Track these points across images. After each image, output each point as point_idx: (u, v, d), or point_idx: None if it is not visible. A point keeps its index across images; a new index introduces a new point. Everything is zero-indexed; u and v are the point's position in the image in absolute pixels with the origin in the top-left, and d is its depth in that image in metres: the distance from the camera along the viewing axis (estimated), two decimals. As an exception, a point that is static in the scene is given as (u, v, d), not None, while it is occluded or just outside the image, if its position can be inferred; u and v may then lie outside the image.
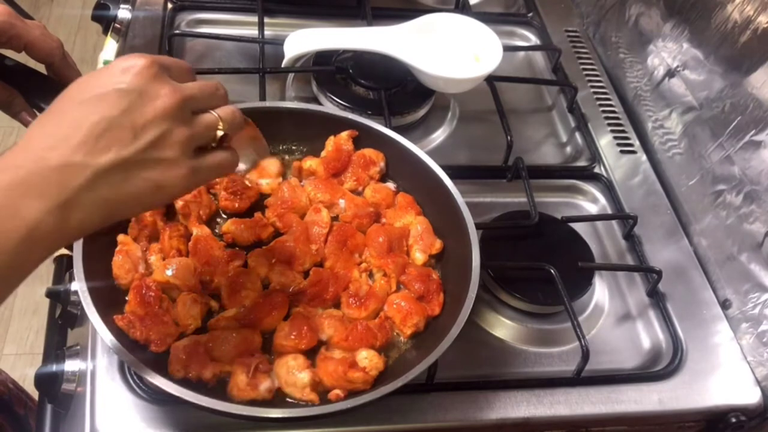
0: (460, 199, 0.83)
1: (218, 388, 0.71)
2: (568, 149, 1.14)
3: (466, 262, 0.78)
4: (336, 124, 0.92)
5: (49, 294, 0.91)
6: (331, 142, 0.91)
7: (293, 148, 0.93)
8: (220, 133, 0.61)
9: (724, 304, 0.95)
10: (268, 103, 1.00)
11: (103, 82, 0.55)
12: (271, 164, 0.89)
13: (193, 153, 0.59)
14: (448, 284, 0.82)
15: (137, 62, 0.55)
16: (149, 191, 0.56)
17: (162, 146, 0.55)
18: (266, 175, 0.89)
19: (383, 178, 0.92)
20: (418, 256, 0.84)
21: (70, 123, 0.53)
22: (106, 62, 1.22)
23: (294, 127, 0.92)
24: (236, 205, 0.85)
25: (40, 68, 0.77)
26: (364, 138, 0.92)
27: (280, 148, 0.93)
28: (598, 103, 1.20)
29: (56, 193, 0.50)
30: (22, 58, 0.75)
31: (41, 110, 0.75)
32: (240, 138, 0.68)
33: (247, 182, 0.86)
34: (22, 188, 0.49)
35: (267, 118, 0.86)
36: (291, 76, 1.14)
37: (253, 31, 1.19)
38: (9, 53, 0.75)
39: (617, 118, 1.18)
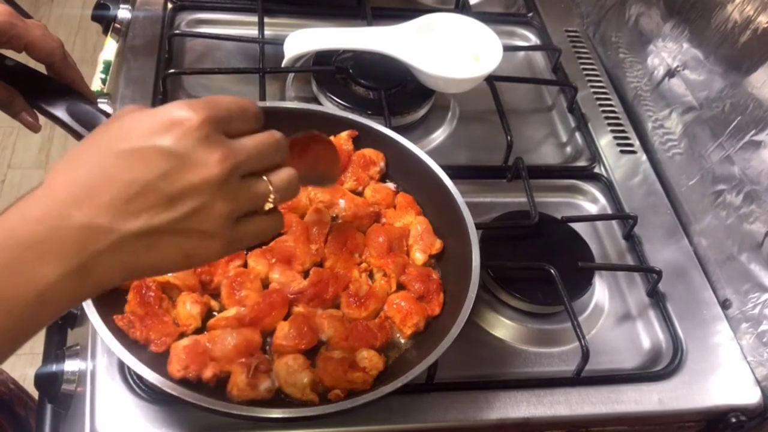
0: (460, 199, 0.83)
1: (218, 388, 0.71)
2: (568, 149, 1.14)
3: (466, 262, 0.78)
4: (336, 124, 0.92)
5: (49, 294, 0.91)
6: (331, 142, 0.91)
7: (293, 148, 0.93)
8: (269, 206, 0.54)
9: (724, 304, 0.95)
10: (268, 103, 1.00)
11: (144, 132, 0.48)
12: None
13: (233, 225, 0.52)
14: (448, 284, 0.82)
15: (189, 117, 0.48)
16: (176, 260, 0.50)
17: (199, 218, 0.49)
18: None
19: (383, 178, 0.92)
20: (418, 256, 0.84)
21: (99, 177, 0.47)
22: (105, 62, 1.22)
23: (294, 127, 0.91)
24: None
25: (41, 68, 0.77)
26: (364, 138, 0.92)
27: (280, 148, 0.93)
28: (598, 103, 1.20)
29: (74, 255, 0.46)
30: (23, 58, 0.75)
31: (41, 110, 0.75)
32: (311, 155, 0.62)
33: None
34: (40, 248, 0.45)
35: (267, 118, 0.86)
36: (291, 76, 1.14)
37: (253, 31, 1.19)
38: (9, 53, 0.75)
39: (617, 118, 1.18)
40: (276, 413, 0.68)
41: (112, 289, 0.73)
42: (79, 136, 0.72)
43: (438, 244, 0.85)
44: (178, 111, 0.49)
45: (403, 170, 0.91)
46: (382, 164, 0.91)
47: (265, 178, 0.53)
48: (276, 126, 0.89)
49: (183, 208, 0.48)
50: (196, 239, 0.50)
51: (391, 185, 0.91)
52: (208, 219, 0.49)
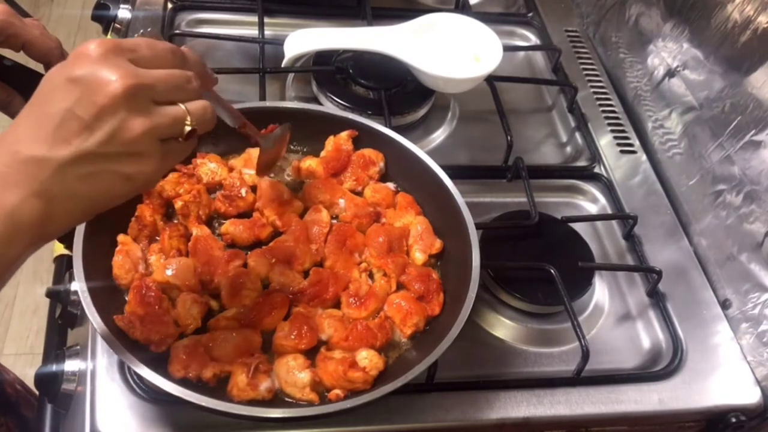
0: (460, 199, 0.83)
1: (218, 388, 0.71)
2: (568, 149, 1.14)
3: (466, 262, 0.78)
4: (336, 124, 0.92)
5: (49, 294, 0.91)
6: (330, 142, 0.91)
7: (293, 148, 0.93)
8: (187, 128, 0.56)
9: (724, 304, 0.95)
10: (268, 103, 1.00)
11: (59, 72, 0.53)
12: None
13: (160, 143, 0.56)
14: (448, 284, 0.82)
15: (88, 46, 0.53)
16: (119, 184, 0.55)
17: (122, 138, 0.52)
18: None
19: (383, 178, 0.92)
20: (418, 256, 0.84)
21: (34, 116, 0.53)
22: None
23: (294, 127, 0.92)
24: (228, 209, 0.85)
25: (39, 68, 0.77)
26: (364, 138, 0.92)
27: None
28: (598, 103, 1.20)
29: (28, 183, 0.51)
30: (22, 58, 0.75)
31: None
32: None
33: (243, 192, 0.86)
34: (1, 180, 0.51)
35: (267, 118, 0.86)
36: (291, 76, 1.14)
37: (253, 31, 1.19)
38: (8, 53, 0.75)
39: (617, 118, 1.18)
40: (276, 413, 0.68)
41: (109, 289, 0.74)
42: None
43: (438, 244, 0.85)
44: (81, 46, 0.53)
45: (403, 170, 0.91)
46: (382, 164, 0.91)
47: (181, 105, 0.56)
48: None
49: (104, 129, 0.52)
50: (129, 160, 0.54)
51: (391, 185, 0.91)
52: (130, 138, 0.53)
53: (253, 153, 0.87)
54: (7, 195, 0.51)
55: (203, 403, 0.65)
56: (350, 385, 0.71)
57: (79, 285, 0.69)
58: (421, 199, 0.89)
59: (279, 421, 0.70)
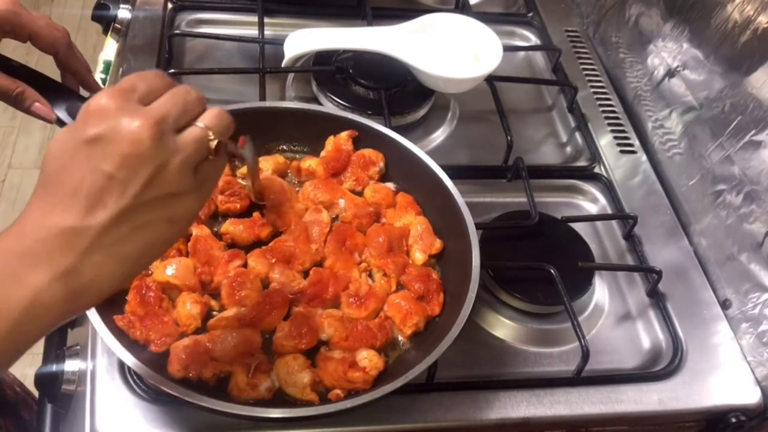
0: (460, 199, 0.83)
1: (218, 388, 0.71)
2: (568, 149, 1.14)
3: (466, 262, 0.78)
4: (336, 124, 0.92)
5: (49, 294, 0.91)
6: (330, 142, 0.91)
7: (293, 148, 0.93)
8: (213, 144, 0.55)
9: (724, 304, 0.95)
10: (268, 103, 1.00)
11: (71, 137, 0.50)
12: (265, 162, 0.89)
13: (194, 173, 0.54)
14: (448, 284, 0.82)
15: (97, 101, 0.50)
16: (163, 229, 0.52)
17: (159, 182, 0.50)
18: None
19: (383, 178, 0.92)
20: (418, 256, 0.84)
21: (56, 186, 0.50)
22: (105, 62, 1.22)
23: (294, 127, 0.92)
24: (237, 206, 0.85)
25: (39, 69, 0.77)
26: (364, 138, 0.92)
27: (280, 148, 0.93)
28: (598, 103, 1.20)
29: (63, 258, 0.48)
30: (24, 52, 0.75)
31: None
32: None
33: (241, 181, 0.86)
34: (30, 256, 0.48)
35: (267, 118, 0.86)
36: (291, 76, 1.14)
37: (253, 31, 1.19)
38: (13, 54, 0.75)
39: (617, 118, 1.18)
40: (276, 413, 0.68)
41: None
42: None
43: (438, 244, 0.85)
44: (89, 102, 0.51)
45: (403, 170, 0.91)
46: (382, 164, 0.91)
47: (198, 123, 0.54)
48: (276, 126, 0.90)
49: (139, 180, 0.50)
50: (169, 203, 0.52)
51: (391, 185, 0.91)
52: (167, 180, 0.51)
53: None
54: (35, 274, 0.47)
55: (203, 403, 0.65)
56: (350, 385, 0.71)
57: (79, 285, 0.69)
58: (421, 199, 0.89)
59: (279, 421, 0.70)
